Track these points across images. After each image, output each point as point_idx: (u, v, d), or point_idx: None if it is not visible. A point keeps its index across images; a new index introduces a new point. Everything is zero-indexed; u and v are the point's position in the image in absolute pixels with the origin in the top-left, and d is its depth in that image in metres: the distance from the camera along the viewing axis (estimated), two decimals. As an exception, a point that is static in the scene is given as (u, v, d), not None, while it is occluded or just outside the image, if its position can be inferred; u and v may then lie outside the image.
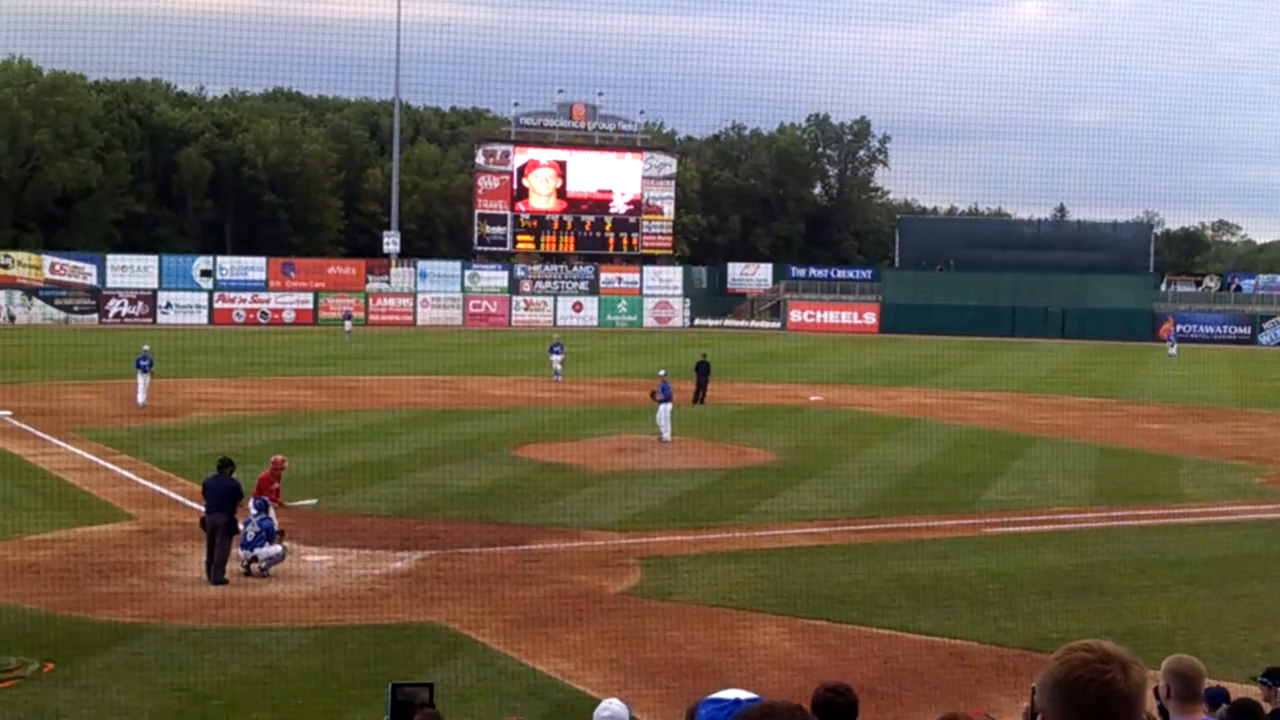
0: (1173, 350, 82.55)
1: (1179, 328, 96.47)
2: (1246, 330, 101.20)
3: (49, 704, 15.62)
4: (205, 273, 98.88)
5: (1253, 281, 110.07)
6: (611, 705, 8.67)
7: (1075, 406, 52.65)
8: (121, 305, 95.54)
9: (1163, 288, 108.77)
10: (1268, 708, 10.33)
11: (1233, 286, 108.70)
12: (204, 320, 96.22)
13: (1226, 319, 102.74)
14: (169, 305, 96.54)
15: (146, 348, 46.14)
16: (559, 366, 57.91)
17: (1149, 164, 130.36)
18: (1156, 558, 25.30)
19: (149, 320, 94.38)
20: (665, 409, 39.41)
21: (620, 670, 17.24)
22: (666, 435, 39.15)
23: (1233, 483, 34.81)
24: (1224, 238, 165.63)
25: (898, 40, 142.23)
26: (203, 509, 22.47)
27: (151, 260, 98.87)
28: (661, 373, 41.11)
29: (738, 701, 3.65)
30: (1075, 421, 47.40)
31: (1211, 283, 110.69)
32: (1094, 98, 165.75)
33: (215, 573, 21.64)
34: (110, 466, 33.17)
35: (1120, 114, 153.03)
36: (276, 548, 22.34)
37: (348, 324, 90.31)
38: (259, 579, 22.00)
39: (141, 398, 44.46)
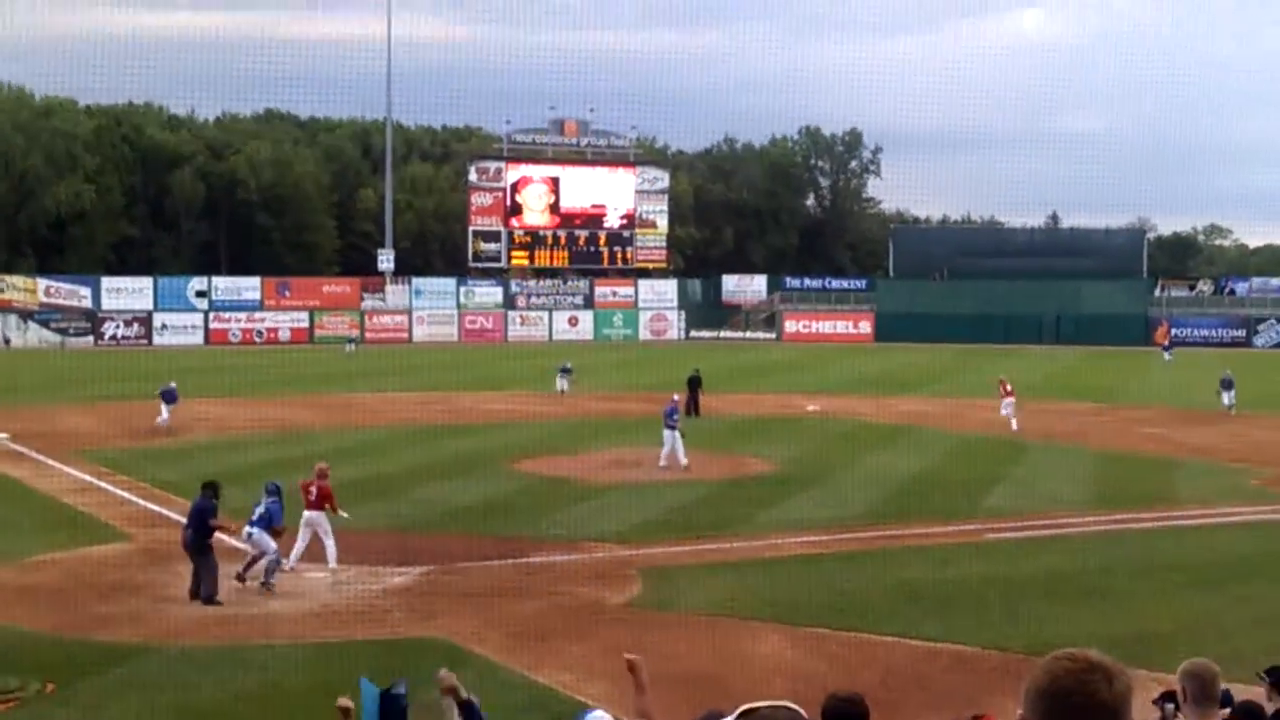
0: (1168, 356, 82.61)
1: (1174, 332, 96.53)
2: (1241, 333, 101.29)
3: (50, 725, 15.56)
4: (200, 293, 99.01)
5: (1246, 284, 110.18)
6: (596, 714, 8.65)
7: (1072, 412, 52.66)
8: (117, 327, 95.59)
9: (1157, 292, 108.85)
10: (1270, 708, 10.30)
11: (1226, 290, 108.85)
12: (200, 340, 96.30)
13: (1221, 322, 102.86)
14: (164, 326, 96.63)
15: (174, 384, 45.57)
16: (564, 385, 58.16)
17: (1140, 170, 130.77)
18: (1157, 561, 25.27)
19: (145, 342, 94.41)
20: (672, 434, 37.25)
21: (622, 681, 16.99)
22: (683, 459, 36.66)
23: (1231, 485, 34.81)
24: (1216, 242, 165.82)
25: (889, 51, 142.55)
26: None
27: (146, 282, 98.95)
28: (675, 398, 40.33)
29: None
30: (1073, 427, 47.40)
31: (1205, 286, 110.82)
32: (1086, 105, 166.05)
33: (203, 591, 21.64)
34: (108, 487, 33.12)
35: (1112, 120, 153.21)
36: (271, 546, 22.52)
37: (349, 346, 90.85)
38: (256, 597, 22.01)
39: (164, 418, 44.05)
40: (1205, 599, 22.15)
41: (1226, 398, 51.43)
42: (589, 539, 26.96)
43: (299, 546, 24.02)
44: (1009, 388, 47.35)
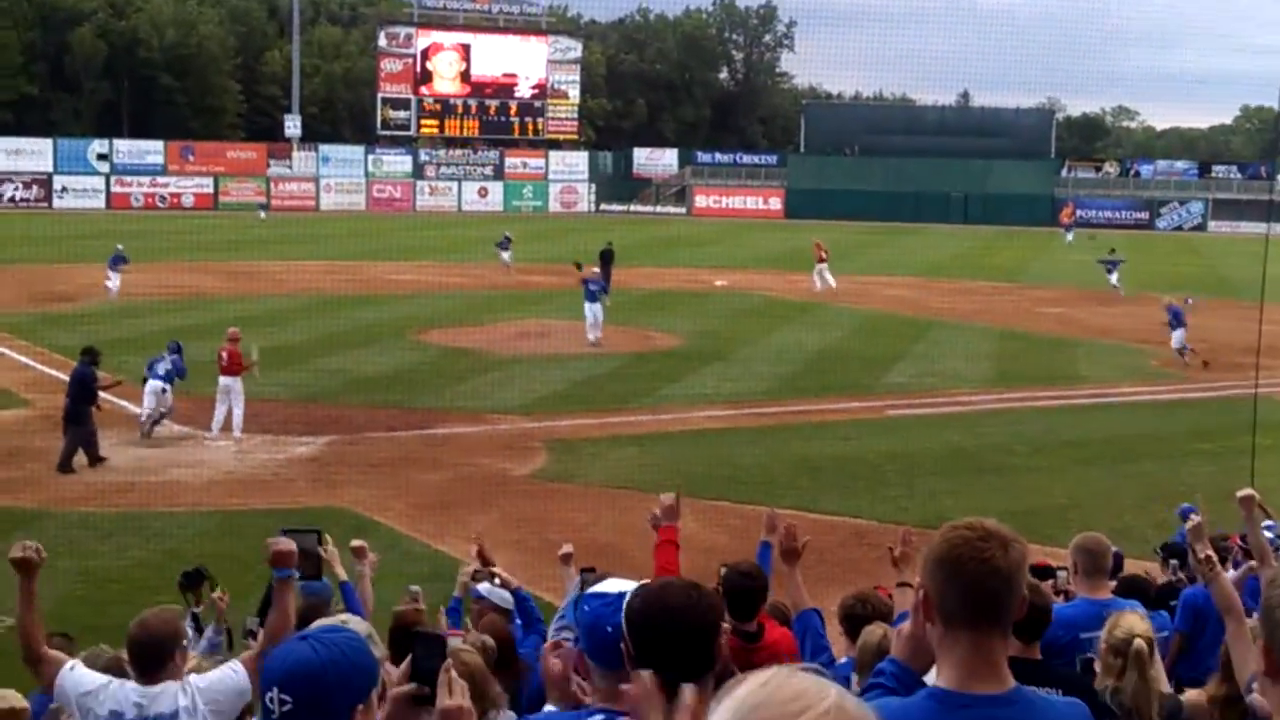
0: (1069, 237, 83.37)
1: (1079, 213, 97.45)
2: (1145, 215, 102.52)
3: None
4: (101, 156, 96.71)
5: (1151, 167, 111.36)
6: (483, 587, 8.75)
7: (976, 291, 53.21)
8: (15, 189, 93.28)
9: (1064, 173, 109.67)
10: (1161, 580, 10.58)
11: (1132, 172, 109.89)
12: (101, 205, 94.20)
13: (1125, 204, 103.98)
14: (64, 190, 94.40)
15: (120, 247, 45.05)
16: (507, 257, 58.39)
17: (1052, 50, 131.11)
18: (1053, 438, 25.78)
19: (44, 205, 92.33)
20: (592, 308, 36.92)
21: (525, 551, 17.31)
22: (591, 335, 36.51)
23: (1129, 365, 35.47)
24: (1124, 123, 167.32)
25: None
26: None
27: (46, 143, 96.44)
28: (595, 270, 40.01)
29: (623, 595, 3.56)
30: (976, 305, 47.94)
31: (1111, 168, 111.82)
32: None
33: (61, 456, 21.65)
34: (6, 352, 32.64)
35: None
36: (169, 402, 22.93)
37: (261, 213, 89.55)
38: (158, 464, 21.97)
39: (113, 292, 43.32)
40: (1099, 476, 22.66)
41: (1113, 278, 51.98)
42: (493, 411, 27.01)
43: (219, 414, 24.09)
44: (824, 253, 50.25)
